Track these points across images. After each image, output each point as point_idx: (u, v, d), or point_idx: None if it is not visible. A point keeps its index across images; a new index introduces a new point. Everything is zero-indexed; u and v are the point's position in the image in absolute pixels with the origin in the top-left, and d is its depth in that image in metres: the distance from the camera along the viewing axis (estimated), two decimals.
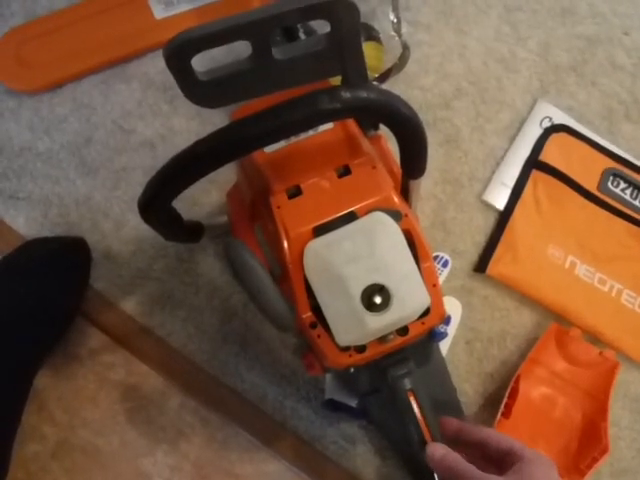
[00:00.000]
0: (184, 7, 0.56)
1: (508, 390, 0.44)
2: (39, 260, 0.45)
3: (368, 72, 0.37)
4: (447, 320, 0.47)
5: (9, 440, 0.40)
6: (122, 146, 0.52)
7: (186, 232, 0.41)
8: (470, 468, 0.31)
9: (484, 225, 0.52)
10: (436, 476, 0.35)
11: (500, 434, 0.34)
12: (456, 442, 0.35)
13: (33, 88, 0.53)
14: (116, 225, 0.50)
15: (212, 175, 0.31)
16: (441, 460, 0.32)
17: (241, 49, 0.32)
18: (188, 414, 0.45)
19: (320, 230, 0.32)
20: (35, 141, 0.52)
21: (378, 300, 0.31)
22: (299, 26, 0.49)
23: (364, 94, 0.29)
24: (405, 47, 0.54)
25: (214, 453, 0.44)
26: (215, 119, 0.53)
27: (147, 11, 0.56)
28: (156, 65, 0.55)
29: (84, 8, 0.56)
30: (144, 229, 0.35)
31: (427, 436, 0.34)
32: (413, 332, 0.33)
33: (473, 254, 0.51)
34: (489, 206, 0.53)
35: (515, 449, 0.33)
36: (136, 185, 0.51)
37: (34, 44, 0.54)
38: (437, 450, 0.32)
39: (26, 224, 0.49)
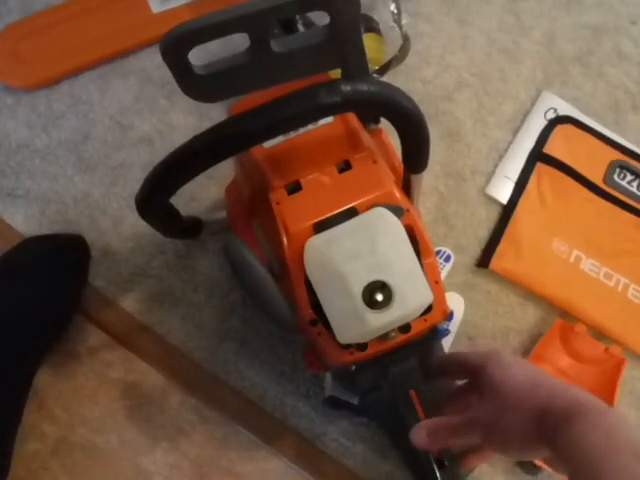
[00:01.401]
0: (181, 1, 0.55)
1: None
2: (37, 258, 0.44)
3: (368, 64, 0.36)
4: (450, 316, 0.47)
5: (10, 438, 0.40)
6: (120, 142, 0.52)
7: (184, 228, 0.40)
8: (451, 423, 0.31)
9: (487, 219, 0.51)
10: (438, 475, 0.35)
11: (462, 353, 0.34)
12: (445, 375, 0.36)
13: (30, 84, 0.53)
14: (114, 222, 0.49)
15: (211, 170, 0.30)
16: (428, 437, 0.31)
17: (240, 41, 0.31)
18: (188, 412, 0.44)
19: (320, 226, 0.32)
20: (33, 138, 0.52)
21: (379, 297, 0.30)
22: (298, 18, 0.48)
23: (364, 87, 0.28)
24: (406, 38, 0.53)
25: (214, 451, 0.44)
26: (214, 114, 0.52)
27: (144, 5, 0.55)
28: (153, 60, 0.54)
29: (81, 3, 0.55)
30: (142, 226, 0.35)
31: None
32: (415, 329, 0.32)
33: (476, 249, 0.50)
34: (492, 200, 0.52)
35: (472, 367, 0.32)
36: (134, 181, 0.50)
37: (31, 40, 0.53)
38: (420, 435, 0.32)
39: (24, 222, 0.49)
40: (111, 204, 0.50)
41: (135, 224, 0.49)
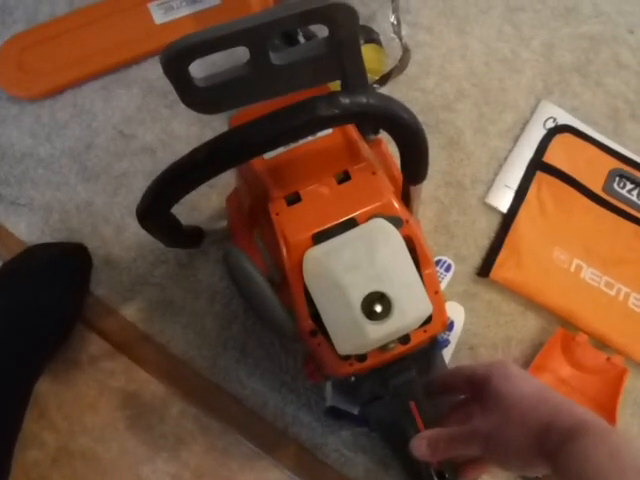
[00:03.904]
0: (184, 12, 0.56)
1: None
2: (40, 266, 0.45)
3: (369, 75, 0.36)
4: (450, 326, 0.47)
5: (10, 446, 0.40)
6: (122, 151, 0.52)
7: (186, 238, 0.41)
8: (451, 434, 0.31)
9: (487, 228, 0.51)
10: None
11: (467, 366, 0.34)
12: (447, 392, 0.35)
13: (34, 94, 0.53)
14: (116, 231, 0.49)
15: (212, 180, 0.30)
16: (429, 449, 0.31)
17: (242, 53, 0.31)
18: (188, 421, 0.44)
19: (320, 237, 0.32)
20: (36, 147, 0.52)
21: (379, 308, 0.30)
22: (299, 30, 0.48)
23: (363, 100, 0.29)
24: (406, 49, 0.53)
25: (214, 461, 0.43)
26: (215, 124, 0.53)
27: (147, 16, 0.56)
28: (156, 70, 0.55)
29: (85, 14, 0.56)
30: (144, 235, 0.35)
31: None
32: (415, 340, 0.32)
33: (477, 258, 0.50)
34: (492, 209, 0.52)
35: (478, 379, 0.32)
36: (136, 190, 0.50)
37: (35, 51, 0.54)
38: (421, 446, 0.32)
39: (27, 230, 0.49)
40: (113, 213, 0.50)
41: (137, 233, 0.49)
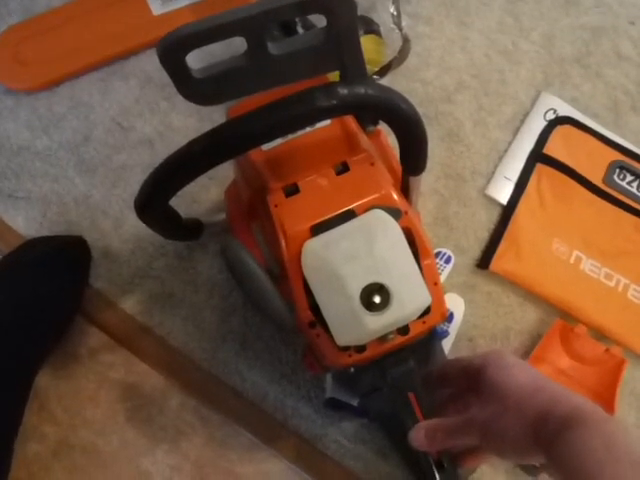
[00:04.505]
0: (182, 3, 0.55)
1: None
2: (38, 259, 0.45)
3: (368, 66, 0.36)
4: (450, 317, 0.47)
5: (10, 440, 0.40)
6: (120, 144, 0.52)
7: (185, 230, 0.41)
8: (449, 424, 0.31)
9: (487, 220, 0.51)
10: (437, 476, 0.35)
11: (463, 358, 0.34)
12: (445, 383, 0.36)
13: (31, 86, 0.53)
14: (115, 223, 0.49)
15: (211, 171, 0.30)
16: (427, 439, 0.32)
17: (240, 43, 0.31)
18: (188, 413, 0.44)
19: (318, 229, 0.32)
20: (34, 140, 0.52)
21: (377, 299, 0.30)
22: (297, 20, 0.48)
23: (361, 90, 0.28)
24: (405, 40, 0.53)
25: (214, 452, 0.44)
26: (214, 116, 0.52)
27: (145, 7, 0.55)
28: (154, 62, 0.53)
29: (81, 5, 0.55)
30: (143, 227, 0.35)
31: None
32: (414, 331, 0.32)
33: (476, 250, 0.50)
34: (492, 201, 0.52)
35: (474, 369, 0.32)
36: (135, 183, 0.50)
37: (32, 42, 0.54)
38: (419, 436, 0.32)
39: (25, 223, 0.49)
40: (112, 206, 0.50)
41: (136, 225, 0.49)
